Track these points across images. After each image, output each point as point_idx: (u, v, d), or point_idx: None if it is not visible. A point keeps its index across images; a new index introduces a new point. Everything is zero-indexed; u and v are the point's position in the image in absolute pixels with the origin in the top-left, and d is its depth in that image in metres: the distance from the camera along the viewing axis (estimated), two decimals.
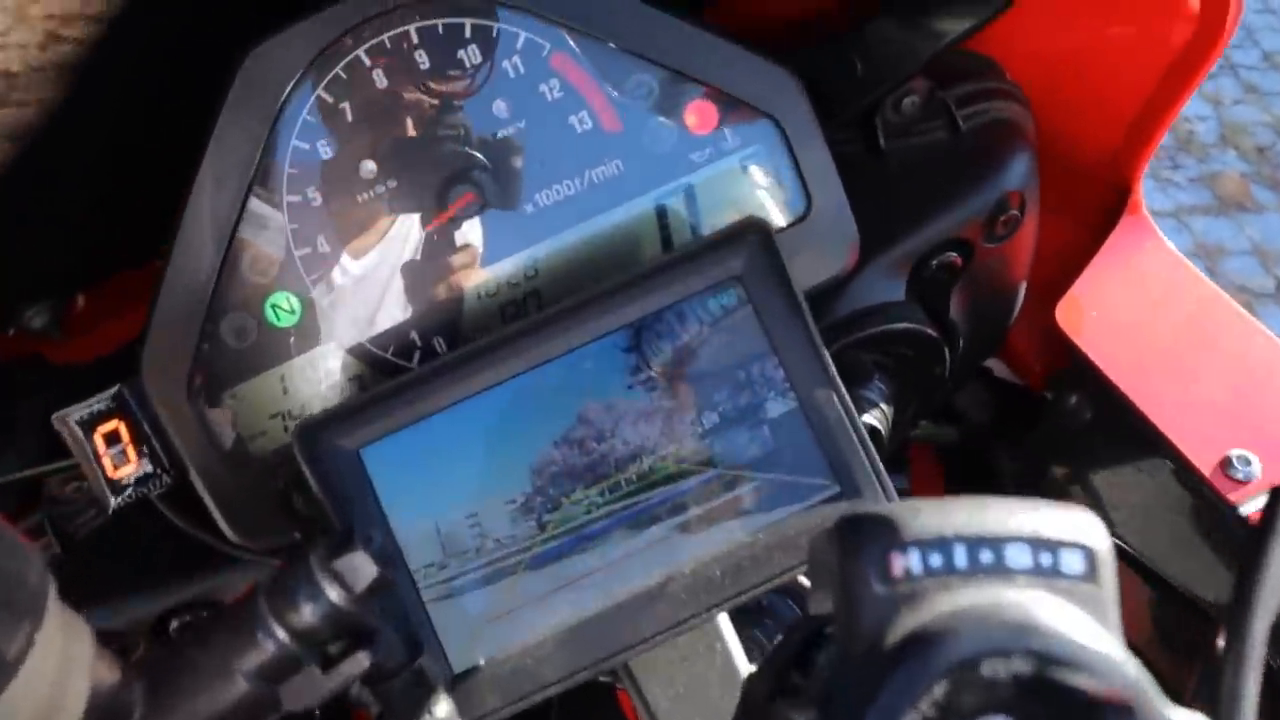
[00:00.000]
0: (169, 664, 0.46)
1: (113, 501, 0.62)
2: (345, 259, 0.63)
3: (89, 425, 0.61)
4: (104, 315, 0.77)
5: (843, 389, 0.58)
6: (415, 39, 0.63)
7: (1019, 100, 0.76)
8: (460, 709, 0.53)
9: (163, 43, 0.63)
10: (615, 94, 0.65)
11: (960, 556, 0.34)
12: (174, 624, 0.70)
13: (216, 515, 0.62)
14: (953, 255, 0.73)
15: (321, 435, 0.57)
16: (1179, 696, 0.33)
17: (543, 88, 0.64)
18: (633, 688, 0.59)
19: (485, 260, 0.65)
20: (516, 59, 0.64)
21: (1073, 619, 0.33)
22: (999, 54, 0.77)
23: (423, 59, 0.63)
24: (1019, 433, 0.87)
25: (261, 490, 0.62)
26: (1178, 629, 0.75)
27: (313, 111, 0.62)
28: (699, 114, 0.66)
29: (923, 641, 0.33)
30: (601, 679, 0.60)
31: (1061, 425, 0.82)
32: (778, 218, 0.66)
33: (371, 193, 0.63)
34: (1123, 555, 0.75)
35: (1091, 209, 0.84)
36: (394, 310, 0.64)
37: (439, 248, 0.64)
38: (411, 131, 0.63)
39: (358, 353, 0.64)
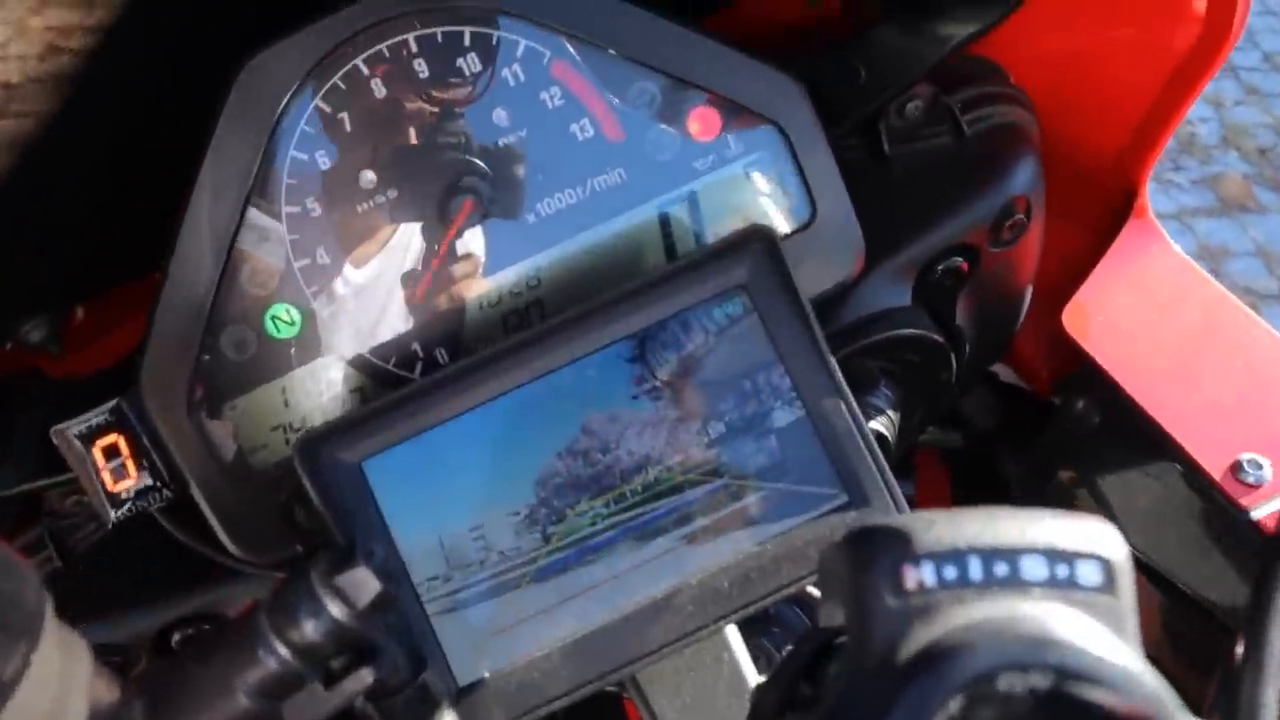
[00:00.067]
0: (169, 681, 0.46)
1: (112, 515, 0.61)
2: (346, 270, 0.63)
3: (88, 439, 0.61)
4: (102, 328, 0.76)
5: (850, 397, 0.58)
6: (414, 48, 0.63)
7: (1023, 105, 0.76)
8: None
9: (160, 53, 0.63)
10: (617, 102, 0.64)
11: (975, 569, 0.34)
12: (175, 638, 0.70)
13: (217, 529, 0.62)
14: (958, 261, 0.72)
15: (323, 448, 0.56)
16: (1193, 705, 0.33)
17: (544, 96, 0.64)
18: (640, 700, 0.59)
19: (487, 270, 0.64)
20: (517, 67, 0.64)
21: (1090, 632, 0.32)
22: (1003, 58, 0.77)
23: (422, 68, 0.63)
24: (1025, 438, 0.86)
25: (263, 503, 0.62)
26: (1188, 635, 0.75)
27: (311, 122, 0.62)
28: (702, 121, 0.65)
29: (937, 656, 0.32)
30: (609, 690, 0.60)
31: (1069, 430, 0.81)
32: (782, 225, 0.66)
33: (371, 203, 0.63)
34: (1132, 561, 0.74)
35: (1097, 213, 0.83)
36: (395, 321, 0.64)
37: (440, 258, 0.64)
38: (411, 140, 0.63)
39: (359, 364, 0.63)
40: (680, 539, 0.58)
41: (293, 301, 0.62)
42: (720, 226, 0.65)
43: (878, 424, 0.72)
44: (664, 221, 0.65)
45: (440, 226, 0.63)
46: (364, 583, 0.46)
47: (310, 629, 0.46)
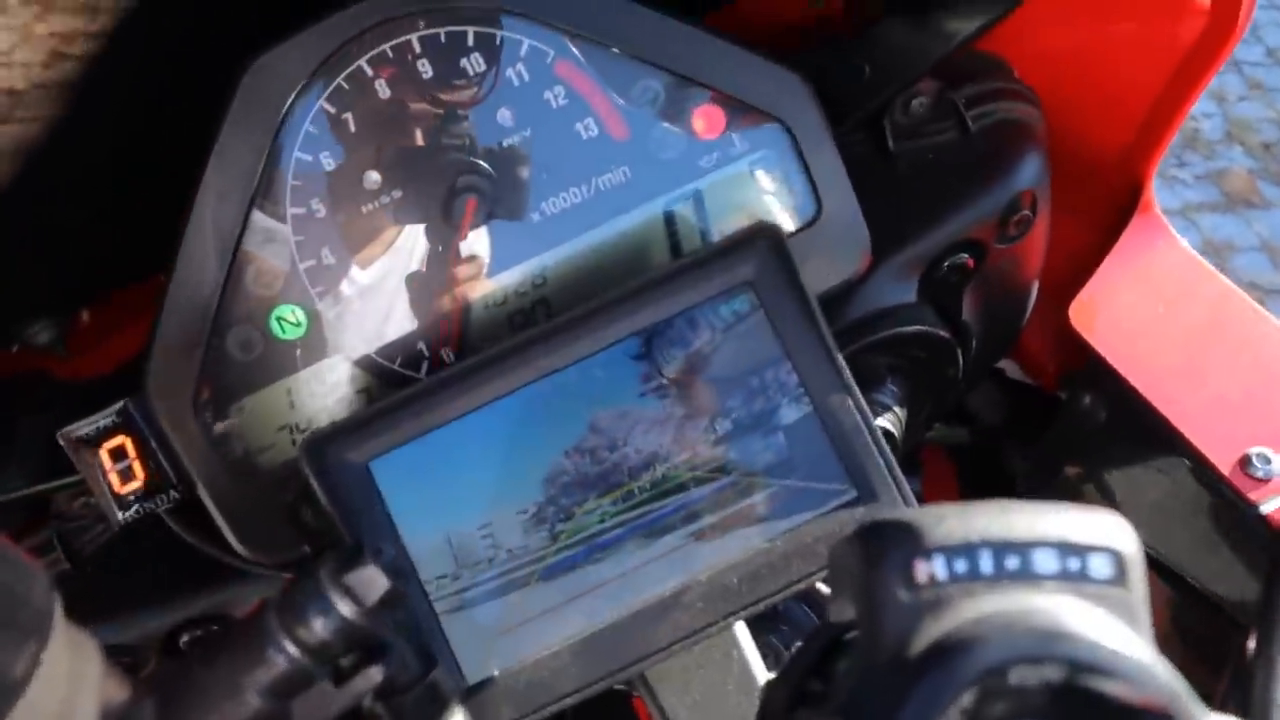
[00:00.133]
0: (179, 681, 0.46)
1: (120, 517, 0.61)
2: (351, 270, 0.63)
3: (95, 441, 0.61)
4: (108, 331, 0.76)
5: (858, 393, 0.58)
6: (418, 48, 0.63)
7: (1029, 100, 0.76)
8: None
9: (163, 58, 0.63)
10: (621, 100, 0.64)
11: (986, 562, 0.34)
12: (184, 639, 0.70)
13: (224, 529, 0.62)
14: (965, 257, 0.72)
15: (329, 449, 0.56)
16: (1203, 700, 0.32)
17: (547, 95, 0.64)
18: (649, 697, 0.59)
19: (492, 270, 0.64)
20: (520, 67, 0.64)
21: (1103, 624, 0.32)
22: (1008, 54, 0.77)
23: (426, 68, 0.63)
24: (1032, 434, 0.86)
25: (269, 504, 0.62)
26: (1198, 630, 0.75)
27: (315, 123, 0.62)
28: (706, 119, 0.65)
29: (949, 649, 0.32)
30: (618, 688, 0.60)
31: (1076, 426, 0.81)
32: (787, 222, 0.66)
33: (376, 203, 0.63)
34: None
35: (1103, 208, 0.83)
36: (401, 321, 0.63)
37: (445, 256, 0.64)
38: (415, 141, 0.63)
39: (365, 364, 0.63)
40: (688, 536, 0.57)
41: (298, 302, 0.62)
42: (726, 224, 0.65)
43: (885, 420, 0.72)
44: (669, 220, 0.65)
45: (445, 227, 0.63)
46: (373, 581, 0.46)
47: (319, 627, 0.46)
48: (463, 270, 0.64)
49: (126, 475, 0.61)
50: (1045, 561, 0.33)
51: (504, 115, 0.64)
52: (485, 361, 0.58)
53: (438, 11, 0.62)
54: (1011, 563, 0.33)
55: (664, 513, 0.58)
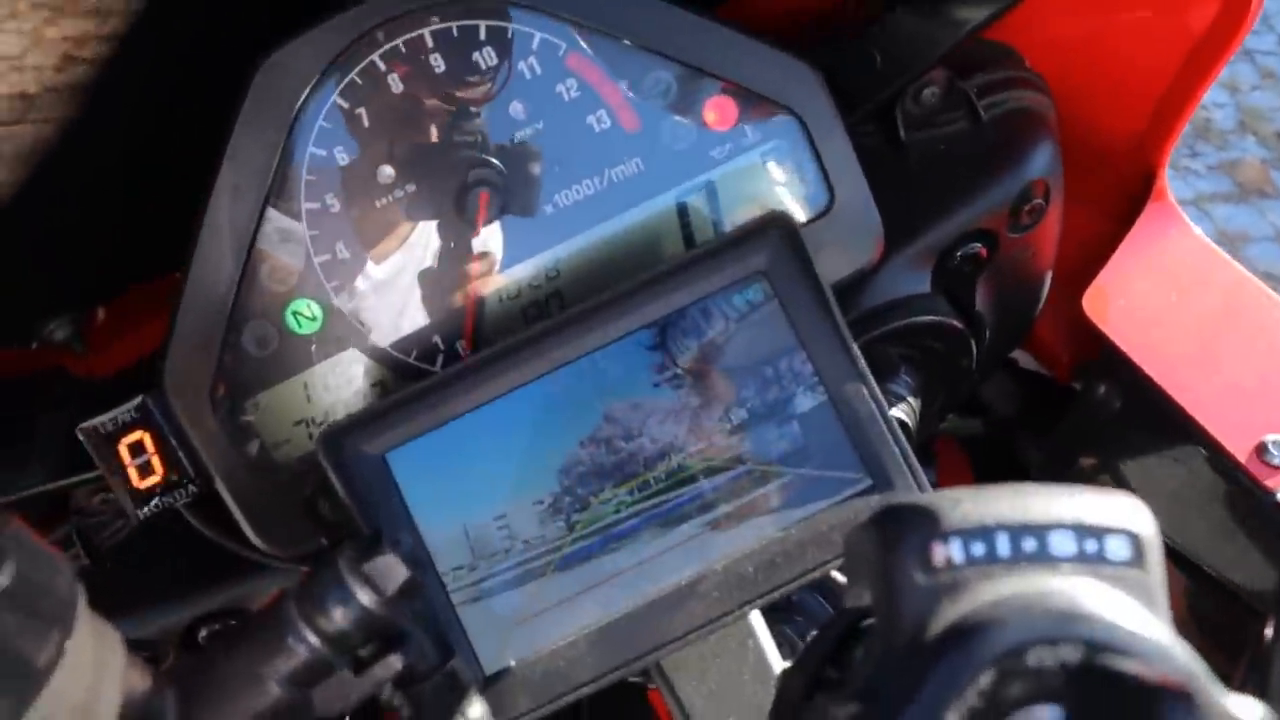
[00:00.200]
0: (200, 671, 0.46)
1: (139, 512, 0.62)
2: (365, 264, 0.63)
3: (113, 436, 0.61)
4: (125, 328, 0.77)
5: (873, 381, 0.58)
6: (430, 43, 0.63)
7: (1040, 89, 0.75)
8: (492, 710, 0.53)
9: (173, 59, 0.63)
10: (632, 92, 0.65)
11: (1003, 545, 0.34)
12: (203, 633, 0.70)
13: (243, 523, 0.62)
14: (977, 246, 0.72)
15: (346, 441, 0.57)
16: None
17: (559, 88, 0.64)
18: (665, 686, 0.59)
19: (505, 264, 0.64)
20: (532, 60, 0.64)
21: (1121, 605, 0.32)
22: (1018, 42, 0.76)
23: (438, 62, 0.63)
24: (1046, 424, 0.86)
25: (287, 497, 0.62)
26: (1214, 618, 0.74)
27: (329, 118, 0.62)
28: (718, 110, 0.65)
29: (967, 631, 0.32)
30: (633, 679, 0.60)
31: (1090, 416, 0.81)
32: (800, 212, 0.66)
33: (390, 198, 0.63)
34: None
35: (1116, 197, 0.83)
36: (416, 315, 0.64)
37: (458, 252, 0.64)
38: (429, 137, 0.63)
39: (380, 358, 0.64)
40: (704, 525, 0.58)
41: (313, 297, 0.63)
42: (738, 215, 0.65)
43: (898, 411, 0.72)
44: (682, 211, 0.65)
45: (458, 222, 0.64)
46: (392, 569, 0.47)
47: (338, 616, 0.46)
48: (476, 266, 0.64)
49: (145, 470, 0.62)
50: (1062, 544, 0.34)
51: (516, 109, 0.64)
52: (500, 353, 0.58)
53: (448, 5, 0.62)
54: (1028, 545, 0.34)
55: (679, 502, 0.58)
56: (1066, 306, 0.80)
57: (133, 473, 0.61)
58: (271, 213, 0.62)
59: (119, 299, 0.76)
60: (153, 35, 0.58)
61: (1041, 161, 0.73)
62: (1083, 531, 0.34)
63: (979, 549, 0.34)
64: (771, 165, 0.66)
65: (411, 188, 0.63)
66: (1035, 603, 0.32)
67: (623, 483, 0.58)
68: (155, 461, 0.62)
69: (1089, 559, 0.33)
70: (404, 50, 0.62)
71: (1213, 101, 2.71)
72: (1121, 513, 0.34)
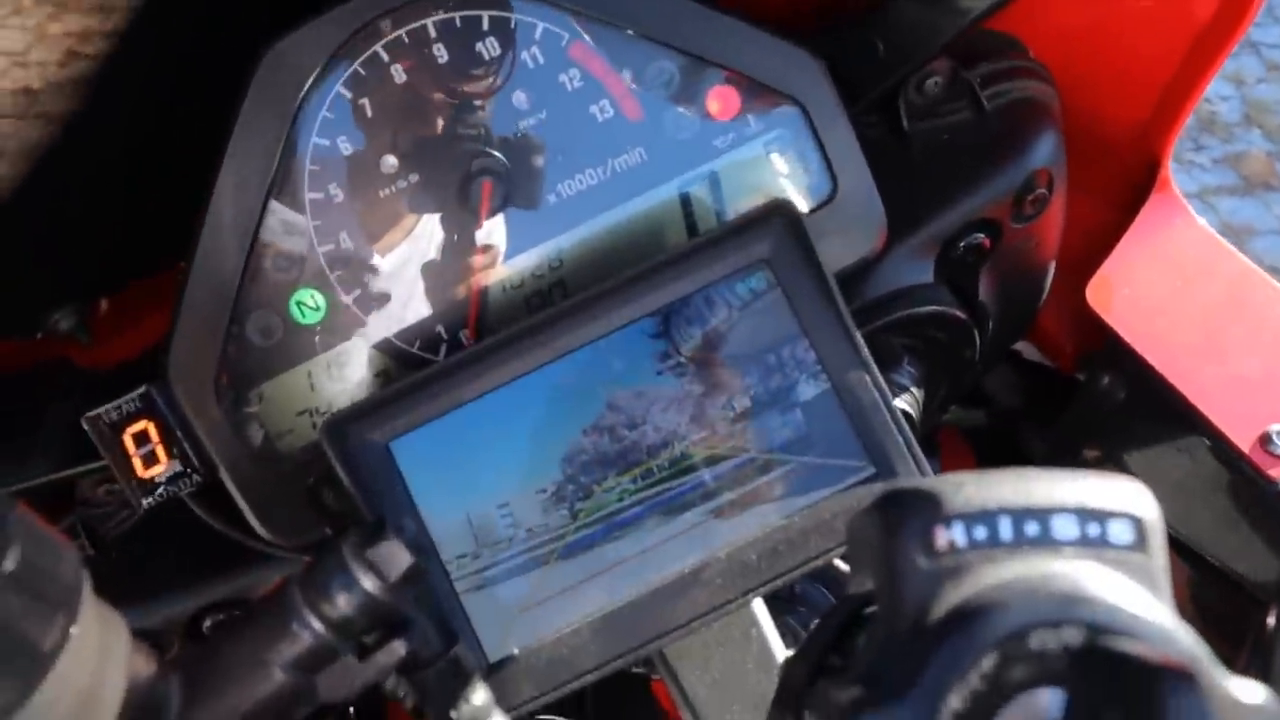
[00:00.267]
0: (205, 657, 0.46)
1: (143, 501, 0.62)
2: (369, 254, 0.63)
3: (118, 426, 0.61)
4: (129, 319, 0.77)
5: (876, 370, 0.58)
6: (433, 33, 0.63)
7: (1043, 78, 0.75)
8: (496, 698, 0.53)
9: (177, 53, 0.63)
10: (635, 82, 0.64)
11: (1005, 529, 0.34)
12: (207, 623, 0.70)
13: (247, 513, 0.62)
14: (981, 236, 0.72)
15: (350, 429, 0.57)
16: None
17: (562, 78, 0.64)
18: (668, 675, 0.59)
19: (508, 254, 0.64)
20: (535, 50, 0.64)
21: (1123, 588, 0.32)
22: (1021, 32, 0.76)
23: (441, 53, 0.63)
24: (1050, 415, 0.86)
25: (291, 487, 0.62)
26: (1218, 608, 0.74)
27: (332, 108, 0.62)
28: (721, 100, 0.65)
29: (969, 615, 0.32)
30: (636, 669, 0.60)
31: (1094, 406, 0.81)
32: (803, 201, 0.66)
33: (393, 188, 0.63)
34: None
35: (1120, 187, 0.83)
36: (419, 305, 0.64)
37: (461, 244, 0.64)
38: (431, 128, 0.63)
39: (384, 347, 0.64)
40: (707, 513, 0.58)
41: (317, 286, 0.63)
42: (741, 205, 0.65)
43: (902, 401, 0.72)
44: (685, 201, 0.65)
45: (461, 214, 0.64)
46: (395, 555, 0.47)
47: (342, 602, 0.46)
48: (479, 258, 0.64)
49: (150, 460, 0.62)
50: (1065, 527, 0.34)
51: (519, 99, 0.64)
52: (503, 342, 0.58)
53: None
54: (1031, 529, 0.34)
55: (682, 490, 0.58)
56: (1070, 297, 0.79)
57: (137, 462, 0.62)
58: (275, 203, 0.62)
59: (123, 290, 0.76)
60: (155, 30, 0.58)
61: (1045, 151, 0.73)
62: (1085, 515, 0.34)
63: (981, 533, 0.34)
64: (775, 155, 0.66)
65: (415, 178, 0.63)
66: (1038, 586, 0.32)
67: (626, 471, 0.58)
68: (160, 451, 0.62)
69: (1091, 543, 0.33)
70: (407, 41, 0.62)
71: (1218, 94, 2.70)
72: (1124, 497, 0.34)
